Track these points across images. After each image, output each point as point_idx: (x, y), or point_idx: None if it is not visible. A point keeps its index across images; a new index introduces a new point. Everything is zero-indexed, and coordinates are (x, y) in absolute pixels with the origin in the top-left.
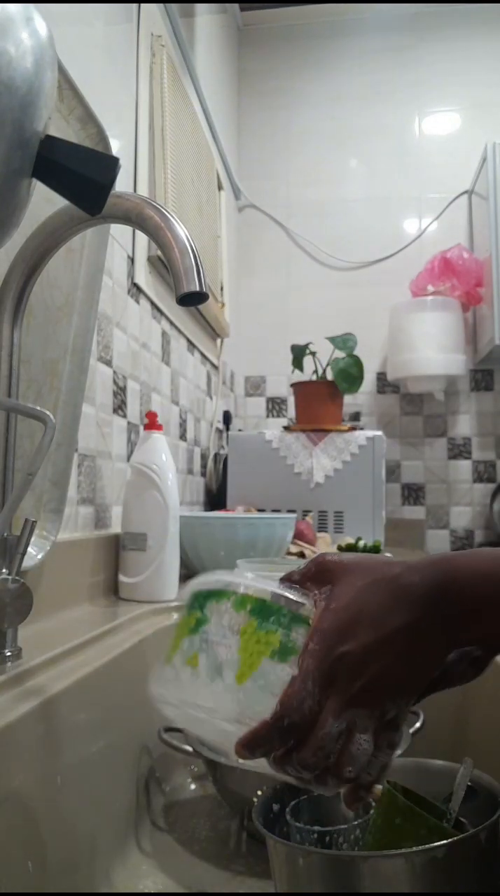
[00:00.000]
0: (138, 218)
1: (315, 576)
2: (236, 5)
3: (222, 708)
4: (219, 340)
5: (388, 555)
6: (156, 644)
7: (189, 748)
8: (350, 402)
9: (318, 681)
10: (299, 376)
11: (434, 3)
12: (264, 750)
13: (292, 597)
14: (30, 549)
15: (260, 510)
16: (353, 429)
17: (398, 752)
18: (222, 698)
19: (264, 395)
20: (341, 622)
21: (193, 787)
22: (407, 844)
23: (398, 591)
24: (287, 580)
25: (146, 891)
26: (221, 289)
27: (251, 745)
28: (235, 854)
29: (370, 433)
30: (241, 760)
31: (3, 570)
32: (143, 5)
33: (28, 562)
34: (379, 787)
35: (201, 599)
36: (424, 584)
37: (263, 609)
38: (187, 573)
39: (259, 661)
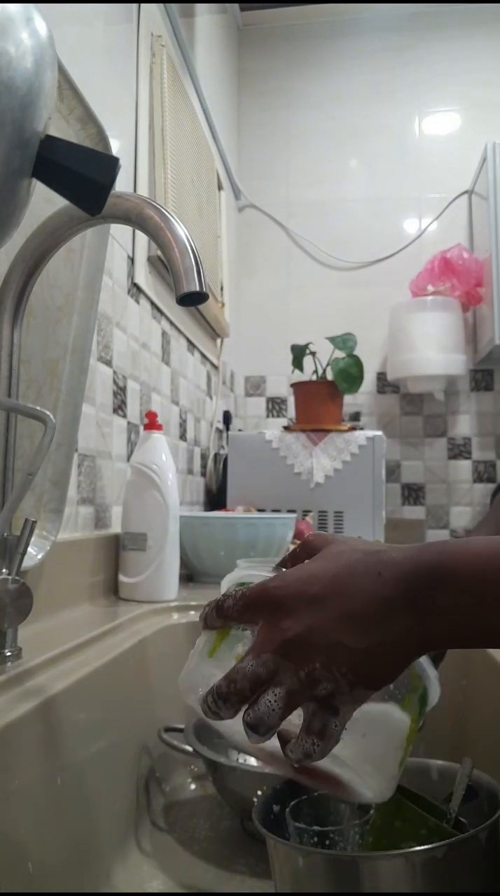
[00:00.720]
0: (138, 218)
1: (301, 554)
2: (236, 5)
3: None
4: (219, 340)
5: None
6: (156, 644)
7: (189, 748)
8: (350, 402)
9: (257, 613)
10: (299, 376)
11: (434, 2)
12: (208, 623)
13: None
14: (30, 549)
15: (260, 510)
16: (353, 429)
17: (330, 747)
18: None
19: (264, 395)
20: (309, 571)
21: (193, 787)
22: (407, 845)
23: (372, 562)
24: (281, 565)
25: (146, 891)
26: (221, 289)
27: (202, 617)
28: (235, 854)
29: (370, 433)
30: (241, 759)
31: (3, 570)
32: (143, 5)
33: (28, 562)
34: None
35: None
36: (404, 562)
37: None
38: (187, 573)
39: None
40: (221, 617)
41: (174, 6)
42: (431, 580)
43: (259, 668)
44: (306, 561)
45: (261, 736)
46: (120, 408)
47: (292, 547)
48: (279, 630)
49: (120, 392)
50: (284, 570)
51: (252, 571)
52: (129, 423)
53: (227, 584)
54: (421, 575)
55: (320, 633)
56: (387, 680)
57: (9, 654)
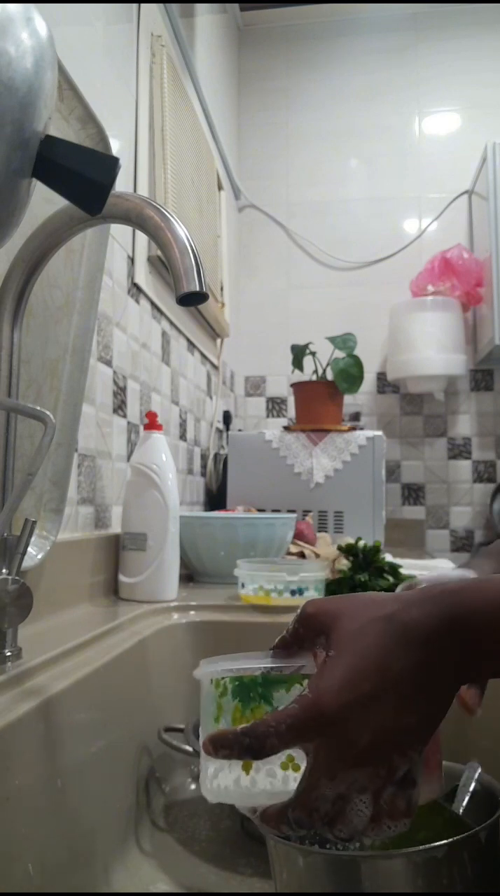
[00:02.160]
0: (138, 218)
1: (306, 632)
2: (236, 5)
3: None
4: (219, 340)
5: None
6: (156, 644)
7: (189, 748)
8: (350, 402)
9: (313, 734)
10: (299, 376)
11: (434, 1)
12: (225, 753)
13: (285, 664)
14: (30, 549)
15: (260, 510)
16: (353, 429)
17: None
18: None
19: (264, 395)
20: (349, 670)
21: (193, 786)
22: (422, 835)
23: (398, 631)
24: (281, 646)
25: (146, 891)
26: (221, 289)
27: (216, 742)
28: (235, 854)
29: (370, 433)
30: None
31: (3, 570)
32: (143, 5)
33: (28, 562)
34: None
35: (262, 689)
36: (426, 621)
37: (241, 688)
38: (187, 573)
39: None
40: (265, 751)
41: (174, 6)
42: (454, 635)
43: (340, 787)
44: (332, 655)
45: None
46: (120, 408)
47: (291, 547)
48: (347, 744)
49: (120, 392)
50: (286, 660)
51: (239, 665)
52: (129, 422)
53: (205, 675)
54: (445, 632)
55: (388, 731)
56: (437, 725)
57: (9, 653)
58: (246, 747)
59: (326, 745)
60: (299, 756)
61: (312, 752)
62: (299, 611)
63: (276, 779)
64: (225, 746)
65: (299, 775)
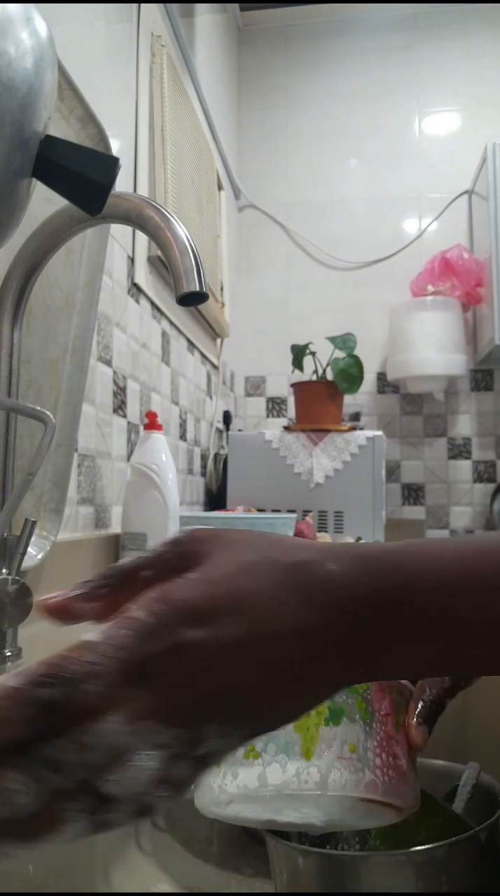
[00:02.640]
0: (138, 218)
1: (175, 557)
2: (236, 5)
3: (300, 778)
4: (219, 340)
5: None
6: None
7: None
8: (350, 402)
9: (129, 663)
10: (299, 376)
11: (434, 1)
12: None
13: None
14: (30, 549)
15: (260, 510)
16: (353, 429)
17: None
18: (301, 773)
19: (264, 396)
20: (203, 596)
21: (193, 787)
22: (422, 836)
23: (298, 583)
24: (111, 573)
25: (146, 891)
26: (221, 289)
27: None
28: (235, 854)
29: (370, 433)
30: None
31: (4, 570)
32: (143, 5)
33: (28, 562)
34: None
35: None
36: (342, 581)
37: None
38: None
39: (317, 732)
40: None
41: (174, 6)
42: (377, 607)
43: (127, 731)
44: (192, 576)
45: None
46: (120, 408)
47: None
48: (165, 690)
49: (120, 392)
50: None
51: None
52: (129, 423)
53: None
54: (366, 602)
55: (232, 697)
56: (286, 721)
57: (9, 654)
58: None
59: (141, 677)
60: (291, 741)
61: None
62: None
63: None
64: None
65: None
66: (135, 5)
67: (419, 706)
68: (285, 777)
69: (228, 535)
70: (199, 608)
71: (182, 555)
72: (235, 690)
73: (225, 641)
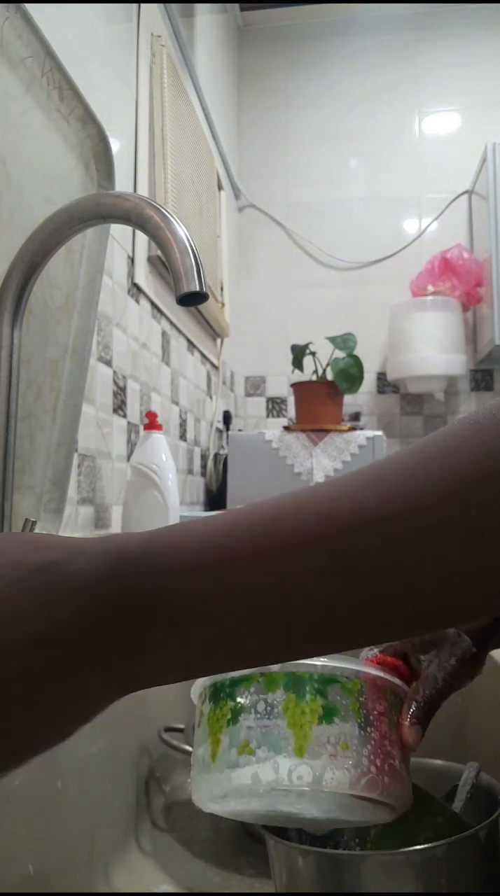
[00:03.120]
0: (138, 218)
1: None
2: (236, 5)
3: (293, 776)
4: (219, 340)
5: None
6: None
7: (189, 748)
8: (350, 402)
9: None
10: (299, 376)
11: (434, 1)
12: None
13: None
14: None
15: None
16: (353, 429)
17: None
18: (293, 769)
19: (264, 395)
20: None
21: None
22: (423, 836)
23: (48, 586)
24: None
25: (146, 891)
26: (221, 289)
27: None
28: (235, 854)
29: (370, 433)
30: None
31: None
32: (143, 5)
33: None
34: None
35: (229, 689)
36: (88, 578)
37: (296, 682)
38: None
39: (310, 730)
40: None
41: (174, 6)
42: (122, 603)
43: None
44: None
45: None
46: (120, 408)
47: None
48: None
49: (120, 392)
50: None
51: None
52: (129, 423)
53: (193, 692)
54: (111, 597)
55: None
56: (55, 742)
57: None
58: None
59: None
60: (285, 738)
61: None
62: None
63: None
64: None
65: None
66: (135, 5)
67: (413, 706)
68: (277, 776)
69: None
70: None
71: None
72: None
73: None
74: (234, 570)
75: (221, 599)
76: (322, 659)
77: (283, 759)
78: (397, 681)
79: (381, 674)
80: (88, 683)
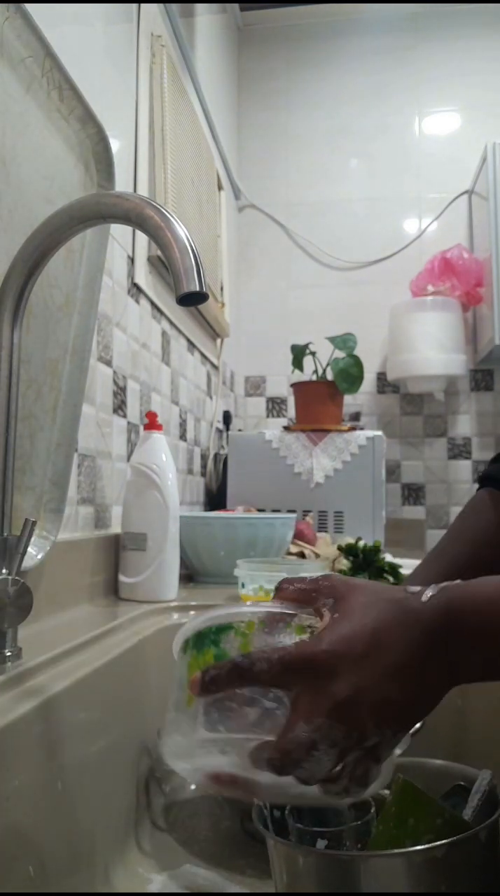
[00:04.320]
0: (138, 218)
1: (318, 594)
2: (236, 5)
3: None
4: (219, 340)
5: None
6: (156, 644)
7: None
8: (350, 402)
9: (299, 677)
10: (299, 376)
11: (435, 1)
12: (218, 687)
13: (281, 609)
14: (30, 549)
15: (260, 510)
16: (353, 429)
17: (369, 788)
18: (191, 726)
19: (264, 395)
20: (349, 629)
21: (193, 787)
22: (426, 838)
23: (402, 613)
24: (291, 585)
25: (146, 891)
26: (221, 289)
27: (208, 679)
28: (235, 854)
29: (370, 433)
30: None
31: (4, 570)
32: (143, 5)
33: (28, 562)
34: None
35: (214, 636)
36: (428, 611)
37: (197, 640)
38: (187, 573)
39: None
40: (247, 680)
41: (174, 6)
42: (450, 630)
43: (313, 733)
44: (335, 616)
45: (305, 784)
46: (120, 408)
47: (291, 547)
48: (328, 694)
49: (120, 392)
50: (287, 611)
51: (232, 609)
52: (129, 423)
53: (190, 631)
54: (442, 624)
55: (369, 691)
56: (421, 718)
57: (9, 653)
58: (237, 670)
59: (310, 690)
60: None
61: (295, 697)
62: (315, 575)
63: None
64: (216, 674)
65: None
66: (135, 5)
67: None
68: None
69: (354, 581)
70: (349, 638)
71: (321, 592)
72: (385, 699)
73: (360, 656)
74: None
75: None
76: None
77: (179, 715)
78: (293, 611)
79: (277, 608)
80: (443, 678)
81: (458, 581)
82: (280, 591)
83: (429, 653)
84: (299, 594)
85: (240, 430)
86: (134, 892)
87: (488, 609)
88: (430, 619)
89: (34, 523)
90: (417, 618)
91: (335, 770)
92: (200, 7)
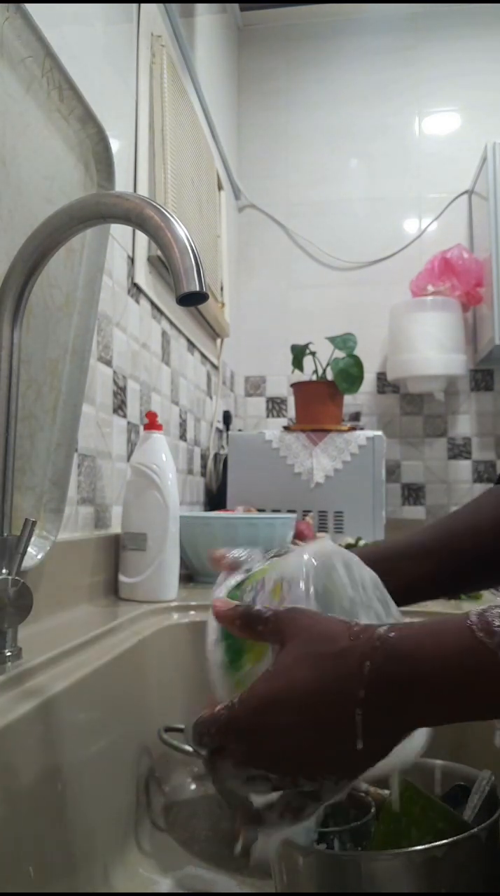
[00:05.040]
0: (138, 218)
1: (274, 627)
2: (236, 5)
3: None
4: (219, 340)
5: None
6: (156, 644)
7: (189, 748)
8: (350, 402)
9: (228, 733)
10: (299, 376)
11: (435, 1)
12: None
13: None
14: (30, 549)
15: (260, 510)
16: (353, 429)
17: (299, 824)
18: None
19: (264, 396)
20: (268, 693)
21: (192, 787)
22: (428, 839)
23: (339, 670)
24: (250, 616)
25: (146, 891)
26: (221, 289)
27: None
28: (234, 854)
29: (370, 433)
30: None
31: (4, 570)
32: (143, 5)
33: (28, 562)
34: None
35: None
36: (368, 666)
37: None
38: (187, 573)
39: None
40: (202, 745)
41: (174, 6)
42: (392, 684)
43: (240, 776)
44: (270, 670)
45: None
46: (120, 408)
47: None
48: (257, 751)
49: (120, 392)
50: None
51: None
52: (129, 423)
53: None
54: (385, 681)
55: (297, 757)
56: (365, 768)
57: (9, 653)
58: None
59: (243, 743)
60: None
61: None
62: (279, 608)
63: None
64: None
65: None
66: (135, 5)
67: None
68: None
69: (300, 625)
70: (268, 701)
71: (271, 631)
72: (304, 756)
73: (284, 727)
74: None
75: (446, 689)
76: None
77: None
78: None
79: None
80: (379, 733)
81: (407, 629)
82: (222, 612)
83: (372, 708)
84: (245, 619)
85: (240, 430)
86: (134, 893)
87: (419, 655)
88: (370, 675)
89: (34, 523)
90: (353, 673)
91: (272, 795)
92: (200, 7)
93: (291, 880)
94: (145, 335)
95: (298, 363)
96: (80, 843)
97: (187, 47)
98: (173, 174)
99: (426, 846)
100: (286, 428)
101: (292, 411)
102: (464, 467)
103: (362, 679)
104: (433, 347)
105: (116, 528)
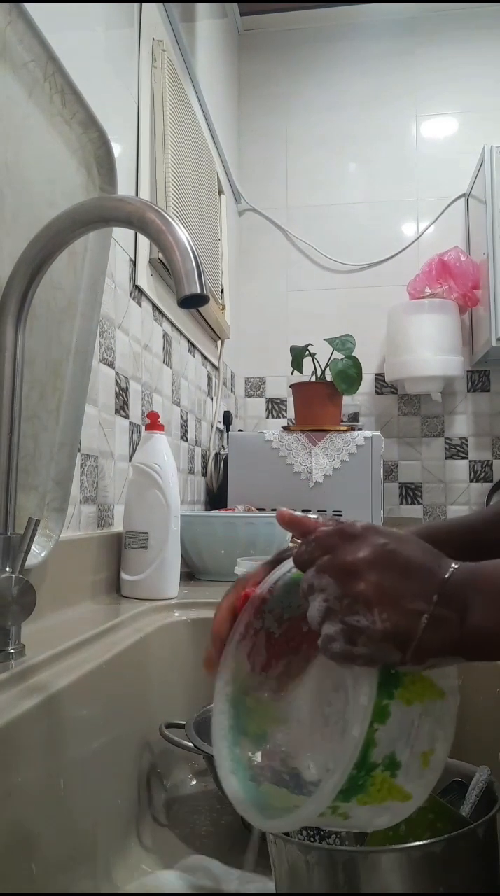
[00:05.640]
0: (140, 221)
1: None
2: (236, 10)
3: None
4: (219, 342)
5: None
6: (157, 641)
7: (190, 744)
8: (349, 402)
9: (328, 545)
10: (298, 377)
11: (434, 2)
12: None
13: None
14: (33, 547)
15: (260, 509)
16: (351, 429)
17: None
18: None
19: (264, 396)
20: (380, 528)
21: (194, 782)
22: (422, 832)
23: (429, 546)
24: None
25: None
26: (222, 291)
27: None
28: (235, 850)
29: (368, 433)
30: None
31: (7, 569)
32: (144, 10)
33: (31, 560)
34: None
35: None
36: (454, 561)
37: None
38: (188, 571)
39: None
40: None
41: (175, 10)
42: (469, 581)
43: (313, 580)
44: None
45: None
46: (122, 408)
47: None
48: (343, 554)
49: (122, 393)
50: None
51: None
52: (131, 423)
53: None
54: (463, 573)
55: (378, 567)
56: (415, 660)
57: (12, 651)
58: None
59: (330, 556)
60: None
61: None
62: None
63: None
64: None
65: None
66: (136, 9)
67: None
68: None
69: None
70: (385, 537)
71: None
72: (391, 586)
73: (394, 555)
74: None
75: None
76: None
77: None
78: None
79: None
80: (449, 621)
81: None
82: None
83: (445, 587)
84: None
85: (240, 431)
86: (134, 893)
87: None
88: (453, 567)
89: (37, 522)
90: (436, 564)
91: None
92: (200, 12)
93: (291, 876)
94: (147, 337)
95: (297, 364)
96: (82, 837)
97: (188, 52)
98: (174, 178)
99: (425, 842)
100: (286, 428)
101: (291, 412)
102: (461, 467)
103: (443, 576)
104: (430, 349)
105: (117, 526)
